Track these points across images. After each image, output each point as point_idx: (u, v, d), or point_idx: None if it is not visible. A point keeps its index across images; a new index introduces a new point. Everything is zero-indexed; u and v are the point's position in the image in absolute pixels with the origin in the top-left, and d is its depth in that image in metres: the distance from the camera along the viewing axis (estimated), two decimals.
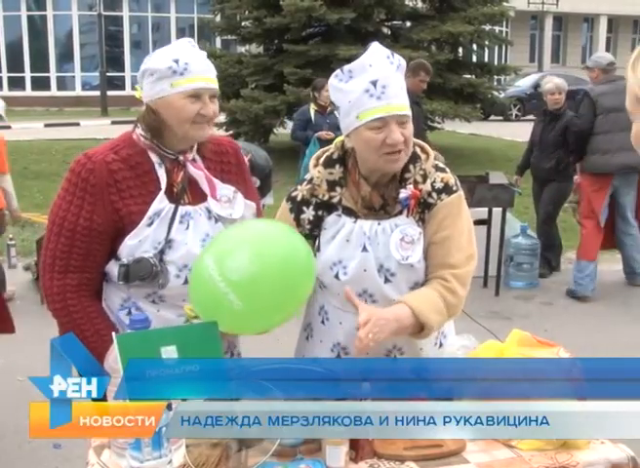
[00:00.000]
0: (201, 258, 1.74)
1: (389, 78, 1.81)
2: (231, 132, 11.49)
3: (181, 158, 1.99)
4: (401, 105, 1.82)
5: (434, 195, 1.92)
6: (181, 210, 1.97)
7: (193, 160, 2.02)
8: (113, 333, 1.48)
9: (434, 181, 1.92)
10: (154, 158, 1.98)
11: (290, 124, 12.13)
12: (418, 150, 1.94)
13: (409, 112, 1.84)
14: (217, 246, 1.77)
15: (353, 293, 1.87)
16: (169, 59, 1.91)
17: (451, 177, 1.95)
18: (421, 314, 1.83)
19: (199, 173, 2.01)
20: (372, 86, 1.80)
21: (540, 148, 6.30)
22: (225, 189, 2.03)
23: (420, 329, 1.86)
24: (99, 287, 2.03)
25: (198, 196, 2.01)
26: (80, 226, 1.93)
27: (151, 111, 1.95)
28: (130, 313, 1.94)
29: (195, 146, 2.03)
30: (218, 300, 1.65)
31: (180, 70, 1.90)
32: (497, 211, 6.18)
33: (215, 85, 1.96)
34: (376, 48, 1.86)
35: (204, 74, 1.94)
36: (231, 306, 1.64)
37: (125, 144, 1.99)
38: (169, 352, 1.48)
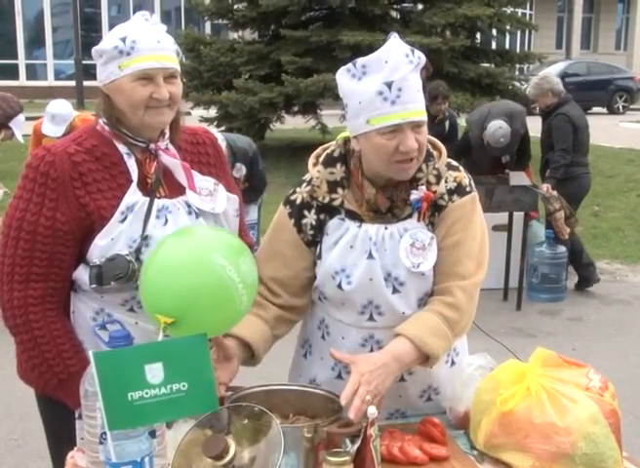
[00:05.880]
0: (209, 255, 1.70)
1: (406, 80, 1.80)
2: (223, 127, 11.49)
3: (152, 146, 1.98)
4: (417, 111, 1.82)
5: (445, 196, 1.94)
6: (158, 203, 1.95)
7: (166, 149, 2.01)
8: (90, 351, 1.48)
9: (446, 181, 1.95)
10: (122, 148, 1.97)
11: (288, 118, 12.17)
12: (429, 147, 1.95)
13: (425, 117, 1.85)
14: (222, 246, 1.75)
15: (339, 354, 1.86)
16: (116, 38, 1.90)
17: (465, 177, 1.98)
18: (424, 345, 1.84)
19: (174, 161, 2.00)
20: (386, 88, 1.78)
21: None
22: (205, 181, 2.03)
23: (424, 359, 1.87)
24: (65, 298, 1.99)
25: (175, 188, 2.00)
26: (42, 227, 1.89)
27: (105, 97, 1.95)
28: (104, 328, 1.89)
29: (167, 135, 2.03)
30: (232, 301, 1.70)
31: (127, 50, 1.88)
32: (518, 215, 6.19)
33: (171, 63, 1.93)
34: (394, 43, 1.85)
35: (154, 52, 1.90)
36: (240, 307, 1.72)
37: (88, 135, 1.98)
38: (154, 370, 1.48)
